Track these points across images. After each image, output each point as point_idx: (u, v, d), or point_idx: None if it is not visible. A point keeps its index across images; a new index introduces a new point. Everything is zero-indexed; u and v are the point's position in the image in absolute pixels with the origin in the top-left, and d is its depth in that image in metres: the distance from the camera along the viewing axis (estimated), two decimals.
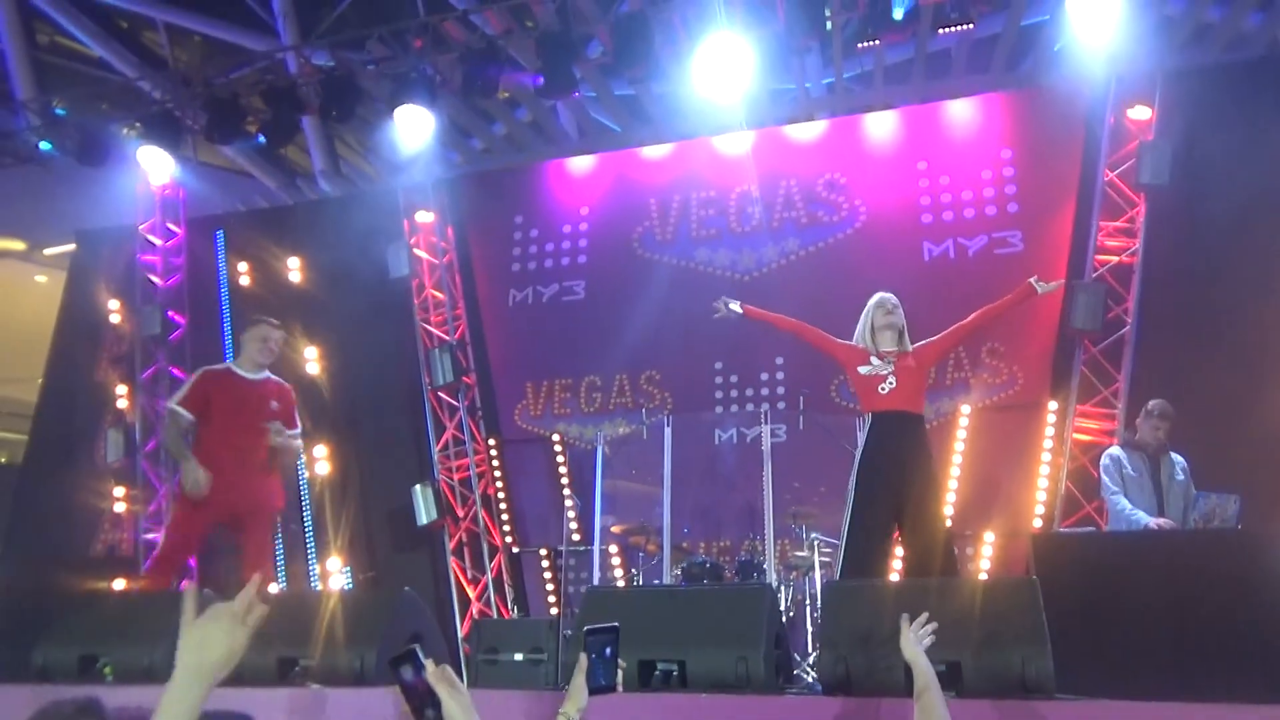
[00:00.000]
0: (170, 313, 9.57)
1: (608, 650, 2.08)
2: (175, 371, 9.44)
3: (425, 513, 7.95)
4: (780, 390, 7.78)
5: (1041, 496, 6.75)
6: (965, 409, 7.15)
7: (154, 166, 9.03)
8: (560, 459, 8.09)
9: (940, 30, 7.22)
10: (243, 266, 9.58)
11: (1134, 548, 4.27)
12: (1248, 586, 3.52)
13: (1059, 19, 6.95)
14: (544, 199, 9.14)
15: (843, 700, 3.03)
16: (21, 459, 10.59)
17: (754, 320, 5.03)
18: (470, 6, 8.40)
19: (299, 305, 8.71)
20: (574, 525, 7.53)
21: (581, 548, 7.48)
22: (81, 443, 9.50)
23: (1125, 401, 6.67)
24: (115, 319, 9.77)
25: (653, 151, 8.90)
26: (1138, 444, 5.37)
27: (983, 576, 6.28)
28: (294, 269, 9.32)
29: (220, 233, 9.87)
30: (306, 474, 8.48)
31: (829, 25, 7.02)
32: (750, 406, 7.78)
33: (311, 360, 8.75)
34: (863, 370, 4.59)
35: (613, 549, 7.33)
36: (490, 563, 8.06)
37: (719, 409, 7.91)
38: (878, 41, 7.23)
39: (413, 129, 7.76)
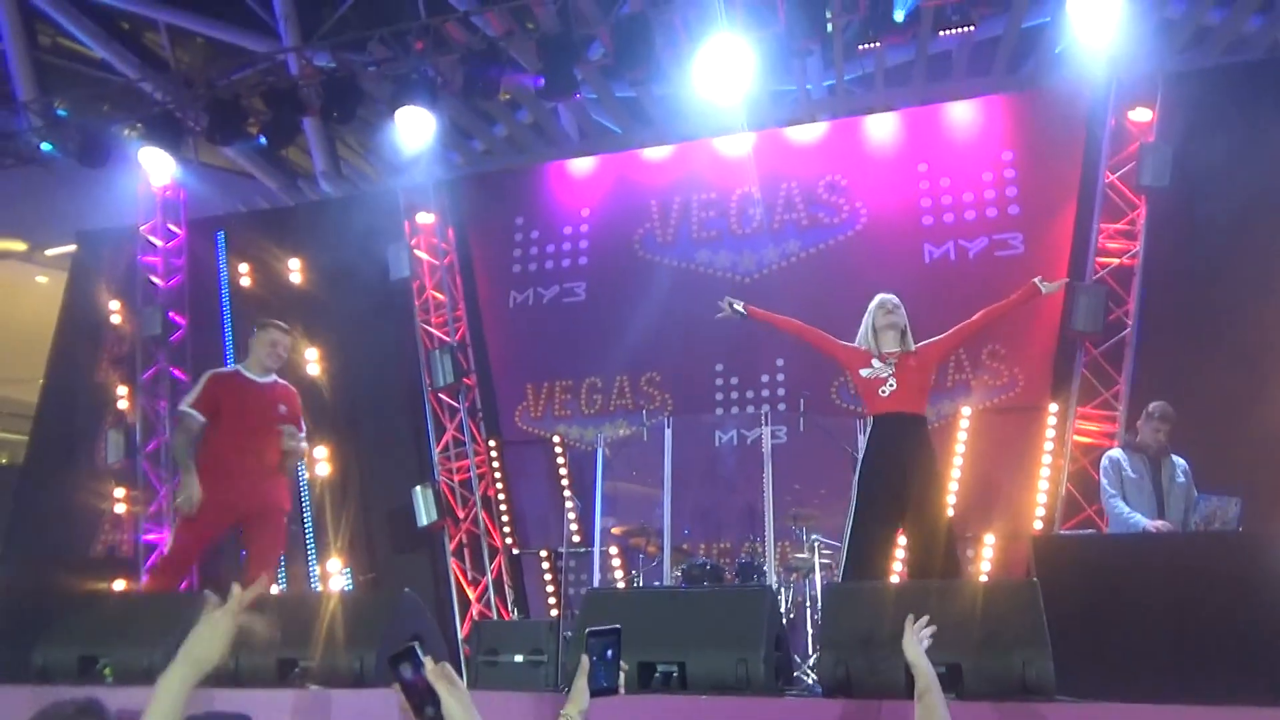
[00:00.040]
0: (171, 314, 9.58)
1: (609, 652, 2.08)
2: (176, 373, 9.45)
3: (425, 514, 7.95)
4: (781, 392, 7.78)
5: (1042, 499, 6.75)
6: (966, 411, 7.14)
7: (155, 167, 9.05)
8: (560, 460, 8.09)
9: (941, 32, 7.21)
10: (244, 267, 9.59)
11: (1134, 550, 4.26)
12: (1248, 588, 3.51)
13: (1060, 21, 6.96)
14: (545, 200, 9.14)
15: (843, 702, 3.03)
16: (22, 460, 10.61)
17: (757, 321, 5.02)
18: (471, 8, 8.41)
19: (300, 306, 8.70)
20: (574, 527, 7.52)
21: (582, 549, 7.48)
22: (82, 443, 9.51)
23: (1126, 404, 6.67)
24: (116, 320, 9.78)
25: (653, 153, 8.90)
26: (1138, 446, 5.36)
27: (983, 578, 6.28)
28: (295, 270, 9.32)
29: (221, 234, 9.88)
30: (307, 475, 8.48)
31: (830, 27, 7.02)
32: (751, 408, 7.78)
33: (312, 361, 8.75)
34: (864, 373, 4.59)
35: (613, 550, 7.33)
36: (490, 564, 8.06)
37: (719, 411, 7.91)
38: (878, 43, 7.23)
39: (414, 130, 7.77)
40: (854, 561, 4.36)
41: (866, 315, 4.75)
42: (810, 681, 5.02)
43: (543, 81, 7.32)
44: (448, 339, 8.57)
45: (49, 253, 13.42)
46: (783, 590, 6.03)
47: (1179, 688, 2.96)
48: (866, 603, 3.33)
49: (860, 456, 4.58)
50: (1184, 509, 5.16)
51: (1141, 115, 7.17)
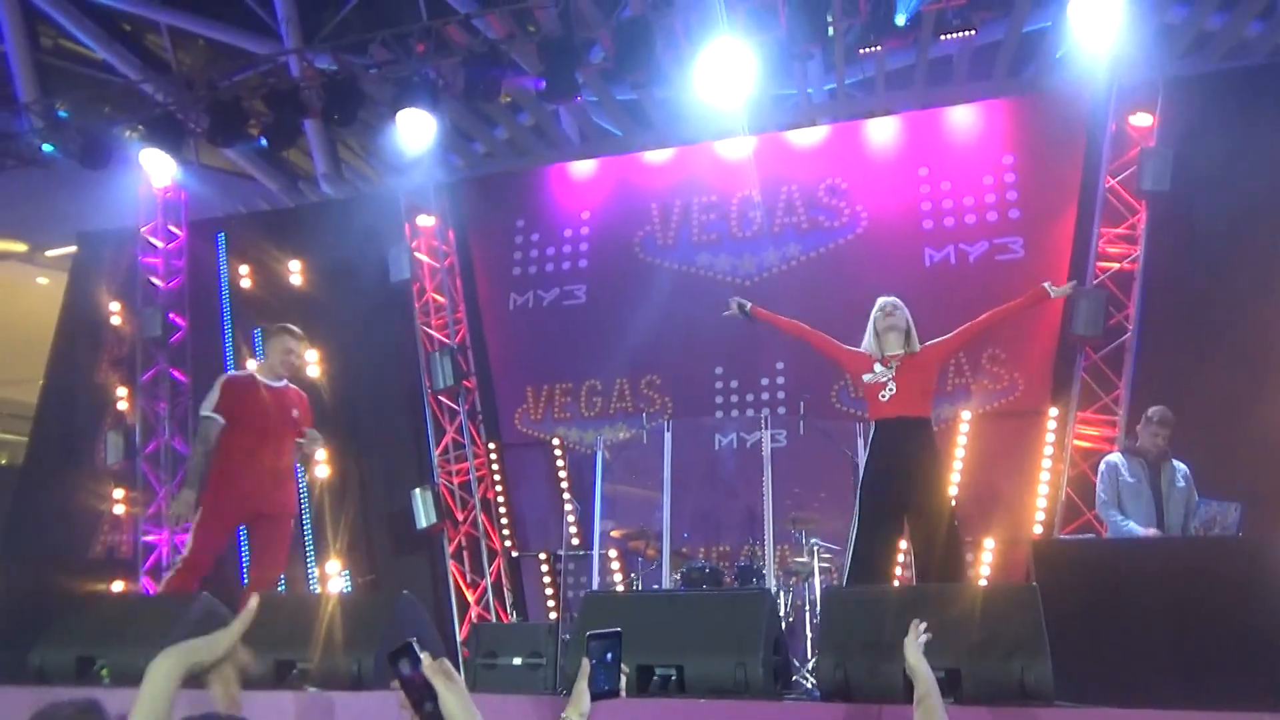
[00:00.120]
0: (171, 315, 9.58)
1: (609, 655, 2.08)
2: (176, 374, 9.46)
3: (425, 516, 7.95)
4: (780, 395, 7.78)
5: (1042, 503, 6.75)
6: (966, 415, 7.15)
7: (156, 169, 9.05)
8: (560, 463, 8.09)
9: (942, 36, 7.22)
10: (244, 269, 9.60)
11: (1134, 555, 4.26)
12: (1249, 594, 3.50)
13: (1061, 26, 6.97)
14: (545, 203, 9.14)
15: (842, 706, 3.02)
16: (22, 460, 10.60)
17: (761, 321, 5.03)
18: (473, 11, 8.41)
19: (300, 308, 8.69)
20: (573, 530, 7.52)
21: (581, 552, 7.47)
22: (81, 444, 9.51)
23: (1126, 408, 6.67)
24: (116, 321, 9.78)
25: (654, 156, 8.91)
26: (1138, 451, 5.35)
27: (983, 582, 6.27)
28: (295, 272, 9.33)
29: (222, 235, 9.89)
30: (306, 477, 8.47)
31: (831, 31, 7.03)
32: (750, 411, 7.78)
33: (312, 363, 8.75)
34: (866, 378, 4.59)
35: (612, 553, 7.32)
36: (489, 567, 8.05)
37: (719, 414, 7.91)
38: (880, 47, 7.23)
39: (415, 132, 7.78)
40: (857, 568, 4.36)
41: (870, 320, 4.76)
42: (809, 685, 5.02)
43: (544, 84, 7.33)
44: (448, 341, 8.57)
45: (49, 254, 13.42)
46: (782, 594, 6.03)
47: (1179, 693, 2.95)
48: (866, 607, 3.32)
49: (863, 462, 4.58)
50: (1184, 514, 5.14)
51: (1142, 120, 7.18)
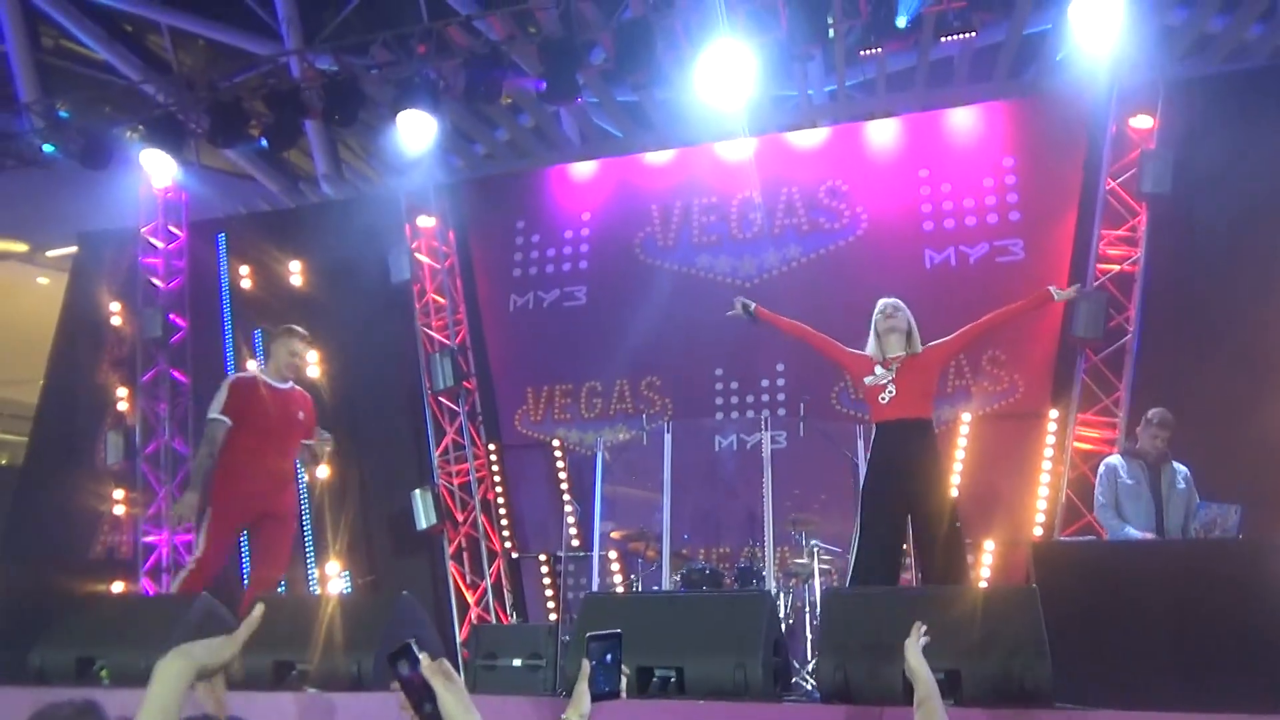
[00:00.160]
0: (171, 315, 9.58)
1: (609, 656, 2.08)
2: (176, 374, 9.46)
3: (425, 517, 7.94)
4: (781, 397, 7.77)
5: (1042, 505, 6.74)
6: (966, 417, 7.14)
7: (156, 169, 9.05)
8: (560, 464, 8.09)
9: (943, 38, 7.23)
10: (244, 269, 9.60)
11: (1134, 557, 4.26)
12: (1249, 596, 3.50)
13: (1061, 28, 6.96)
14: (546, 204, 9.14)
15: (841, 708, 3.02)
16: (22, 461, 10.60)
17: (764, 321, 5.03)
18: (474, 12, 8.41)
19: (300, 308, 8.69)
20: (573, 531, 7.52)
21: (581, 553, 7.47)
22: (82, 445, 9.51)
23: (1126, 410, 6.66)
24: (116, 321, 9.79)
25: (655, 157, 8.91)
26: (1138, 453, 5.35)
27: (983, 584, 6.27)
28: (295, 272, 9.33)
29: (222, 235, 9.89)
30: (306, 477, 8.47)
31: (831, 32, 7.03)
32: (751, 413, 7.78)
33: (312, 364, 8.74)
34: (867, 380, 4.60)
35: (612, 555, 7.32)
36: (489, 568, 8.05)
37: (719, 415, 7.91)
38: (880, 49, 7.24)
39: (415, 133, 7.78)
40: (861, 571, 4.37)
41: (871, 322, 4.76)
42: (809, 687, 5.02)
43: (544, 85, 7.33)
44: (448, 342, 8.57)
45: (50, 254, 13.43)
46: (782, 595, 6.03)
47: (1178, 695, 2.95)
48: (866, 608, 3.32)
49: (865, 465, 4.59)
50: (1184, 516, 5.14)
51: (1143, 122, 7.17)
